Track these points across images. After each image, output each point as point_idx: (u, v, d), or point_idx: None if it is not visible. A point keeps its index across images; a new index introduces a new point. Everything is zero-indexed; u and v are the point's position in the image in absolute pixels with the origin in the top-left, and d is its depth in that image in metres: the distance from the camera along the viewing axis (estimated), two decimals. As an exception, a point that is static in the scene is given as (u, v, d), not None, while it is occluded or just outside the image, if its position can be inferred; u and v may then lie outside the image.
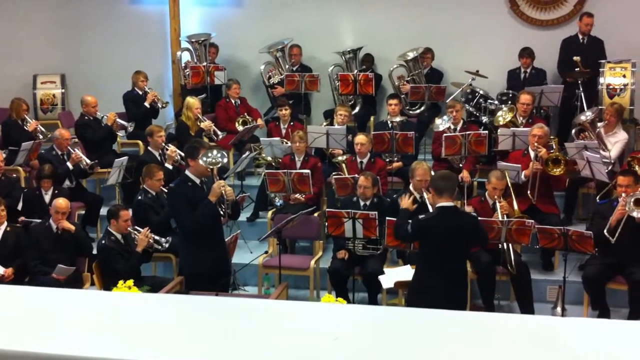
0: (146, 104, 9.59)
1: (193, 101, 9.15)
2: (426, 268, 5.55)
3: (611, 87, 8.84)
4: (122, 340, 1.80)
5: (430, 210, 6.58)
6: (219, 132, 9.09)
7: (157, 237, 6.95)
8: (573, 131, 8.40)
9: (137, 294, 4.58)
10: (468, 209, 6.76)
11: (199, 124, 9.11)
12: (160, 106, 9.73)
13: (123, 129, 9.34)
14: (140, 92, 9.84)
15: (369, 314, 2.05)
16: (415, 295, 5.63)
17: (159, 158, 8.45)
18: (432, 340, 1.83)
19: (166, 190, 7.11)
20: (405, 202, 6.25)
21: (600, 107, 8.59)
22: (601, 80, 8.85)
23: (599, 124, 8.19)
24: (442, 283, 5.39)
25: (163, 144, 8.49)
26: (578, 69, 8.94)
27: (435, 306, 5.05)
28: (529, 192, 7.38)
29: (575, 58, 8.96)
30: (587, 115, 8.20)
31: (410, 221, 5.69)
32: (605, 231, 6.44)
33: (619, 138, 8.08)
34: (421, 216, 5.65)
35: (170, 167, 8.26)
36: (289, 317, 1.90)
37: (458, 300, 5.43)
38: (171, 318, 1.97)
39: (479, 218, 6.51)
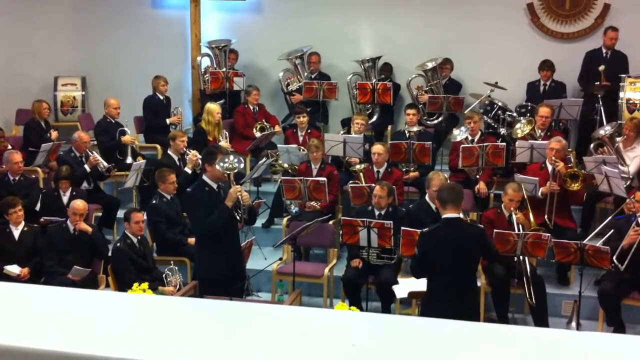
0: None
1: (214, 107, 9.19)
2: (435, 280, 5.50)
3: (631, 101, 8.78)
4: (134, 341, 1.82)
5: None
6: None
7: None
8: (592, 145, 8.35)
9: (151, 295, 4.60)
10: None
11: (217, 133, 9.13)
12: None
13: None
14: (162, 97, 9.92)
15: (385, 322, 2.05)
16: (427, 308, 5.59)
17: (177, 162, 8.50)
18: (445, 350, 1.83)
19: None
20: None
21: (619, 121, 8.54)
22: (621, 94, 8.80)
23: (618, 139, 8.13)
24: (450, 295, 5.33)
25: (184, 149, 8.54)
26: (598, 82, 8.89)
27: (446, 318, 5.02)
28: (546, 216, 7.33)
29: (600, 68, 8.92)
30: (606, 130, 8.15)
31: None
32: (614, 257, 6.38)
33: (637, 153, 8.01)
34: (424, 230, 5.62)
35: (189, 171, 8.31)
36: (306, 322, 1.91)
37: (468, 311, 5.39)
38: (185, 320, 1.98)
39: (495, 230, 6.53)
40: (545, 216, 7.34)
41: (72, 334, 1.85)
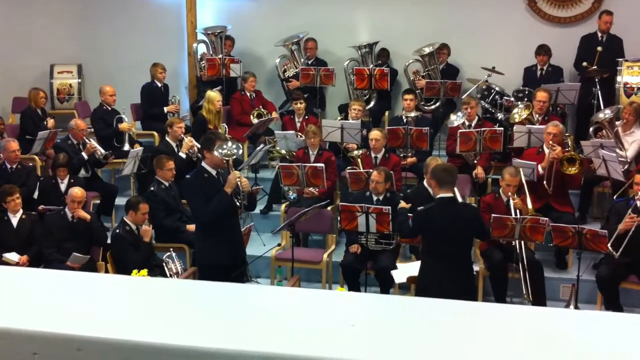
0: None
1: (214, 95, 9.14)
2: (429, 260, 5.64)
3: (628, 85, 8.79)
4: (135, 323, 1.82)
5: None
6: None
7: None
8: (591, 129, 8.35)
9: (150, 278, 4.60)
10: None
11: (218, 122, 9.09)
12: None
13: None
14: (160, 85, 9.91)
15: (385, 302, 2.06)
16: (422, 288, 5.66)
17: (175, 149, 8.48)
18: (445, 329, 1.83)
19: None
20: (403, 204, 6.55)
21: (618, 105, 8.53)
22: (618, 78, 8.80)
23: (617, 123, 8.13)
24: (445, 274, 5.44)
25: (182, 136, 8.52)
26: (586, 64, 8.91)
27: (441, 297, 5.09)
28: (544, 182, 7.31)
29: (598, 48, 8.92)
30: (605, 114, 8.14)
31: (410, 216, 5.83)
32: (609, 245, 6.39)
33: (636, 137, 8.00)
34: (420, 208, 5.71)
35: (183, 156, 8.30)
36: (306, 303, 1.92)
37: (464, 291, 5.44)
38: (185, 303, 1.99)
39: (493, 215, 6.54)
40: (544, 181, 7.31)
41: (73, 316, 1.85)
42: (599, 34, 9.31)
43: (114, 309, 1.88)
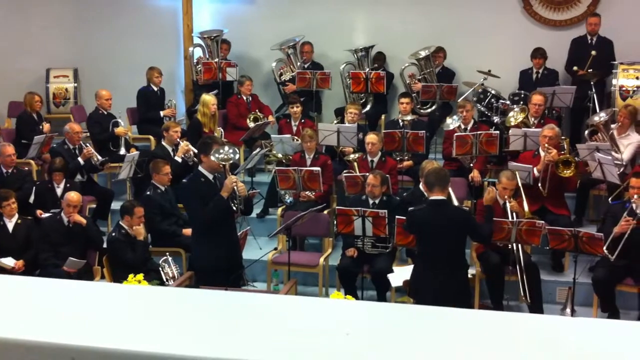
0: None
1: (209, 98, 9.13)
2: (421, 262, 5.72)
3: (624, 88, 8.80)
4: (130, 332, 1.82)
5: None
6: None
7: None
8: (586, 132, 8.36)
9: (146, 286, 4.60)
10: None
11: (213, 125, 9.07)
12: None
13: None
14: (156, 89, 9.90)
15: (380, 310, 2.06)
16: (415, 289, 5.71)
17: (171, 153, 8.47)
18: (441, 337, 1.83)
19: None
20: None
21: (614, 108, 8.55)
22: (614, 81, 8.82)
23: (612, 126, 8.14)
24: (436, 276, 5.50)
25: (178, 140, 8.52)
26: (576, 68, 8.95)
27: (432, 299, 5.14)
28: (539, 184, 7.32)
29: (592, 52, 8.95)
30: (601, 117, 8.16)
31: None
32: (605, 247, 6.40)
33: (631, 140, 8.02)
34: (411, 208, 5.76)
35: (179, 160, 8.29)
36: (302, 311, 1.91)
37: (456, 293, 5.46)
38: (181, 311, 1.98)
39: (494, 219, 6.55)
40: (539, 184, 7.31)
41: (69, 325, 1.84)
42: (589, 37, 9.35)
43: (108, 318, 1.88)
